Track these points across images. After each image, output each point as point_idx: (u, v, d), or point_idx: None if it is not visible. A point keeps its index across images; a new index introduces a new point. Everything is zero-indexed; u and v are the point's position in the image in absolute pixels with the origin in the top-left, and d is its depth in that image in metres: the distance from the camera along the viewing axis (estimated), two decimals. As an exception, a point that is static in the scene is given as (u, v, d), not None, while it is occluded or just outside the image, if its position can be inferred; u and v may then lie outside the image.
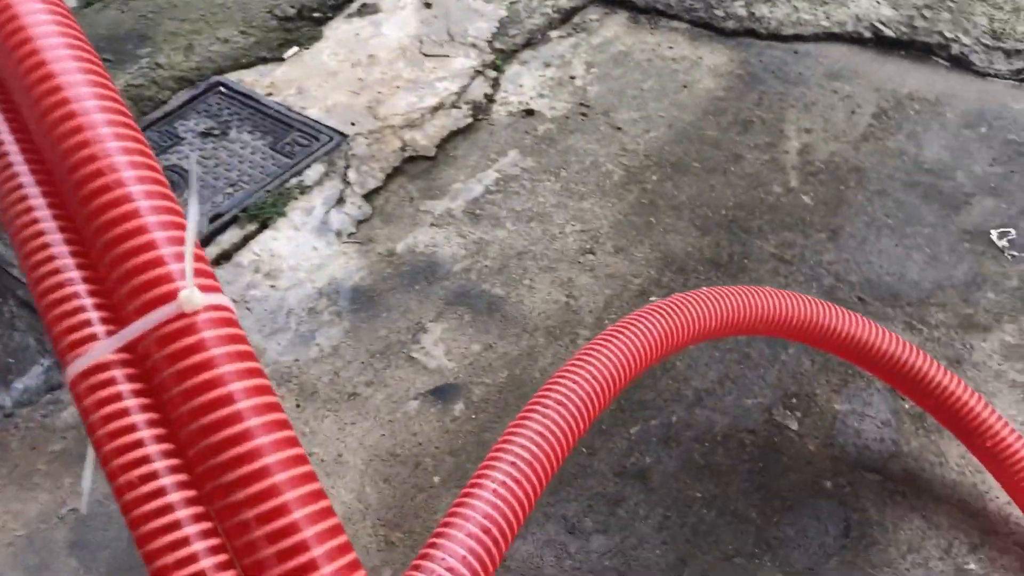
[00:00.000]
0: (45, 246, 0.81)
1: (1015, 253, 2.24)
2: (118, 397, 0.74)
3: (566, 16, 2.98)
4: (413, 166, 2.48)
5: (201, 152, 2.45)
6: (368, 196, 2.37)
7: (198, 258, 0.77)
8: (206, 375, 0.72)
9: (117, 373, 0.74)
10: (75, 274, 0.78)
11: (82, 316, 0.77)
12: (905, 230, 2.30)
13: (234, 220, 2.26)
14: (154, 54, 2.80)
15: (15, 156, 0.88)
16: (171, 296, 0.74)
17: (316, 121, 2.54)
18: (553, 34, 2.91)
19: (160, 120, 2.57)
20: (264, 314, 2.11)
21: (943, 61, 2.81)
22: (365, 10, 2.98)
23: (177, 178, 2.35)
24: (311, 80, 2.71)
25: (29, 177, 0.86)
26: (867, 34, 2.88)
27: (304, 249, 2.23)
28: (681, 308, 1.43)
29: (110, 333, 0.76)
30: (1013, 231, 2.29)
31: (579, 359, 1.30)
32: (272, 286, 2.16)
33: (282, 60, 2.79)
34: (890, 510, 1.76)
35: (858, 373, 1.98)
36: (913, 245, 2.26)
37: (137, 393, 0.74)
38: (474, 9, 2.98)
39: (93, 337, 0.76)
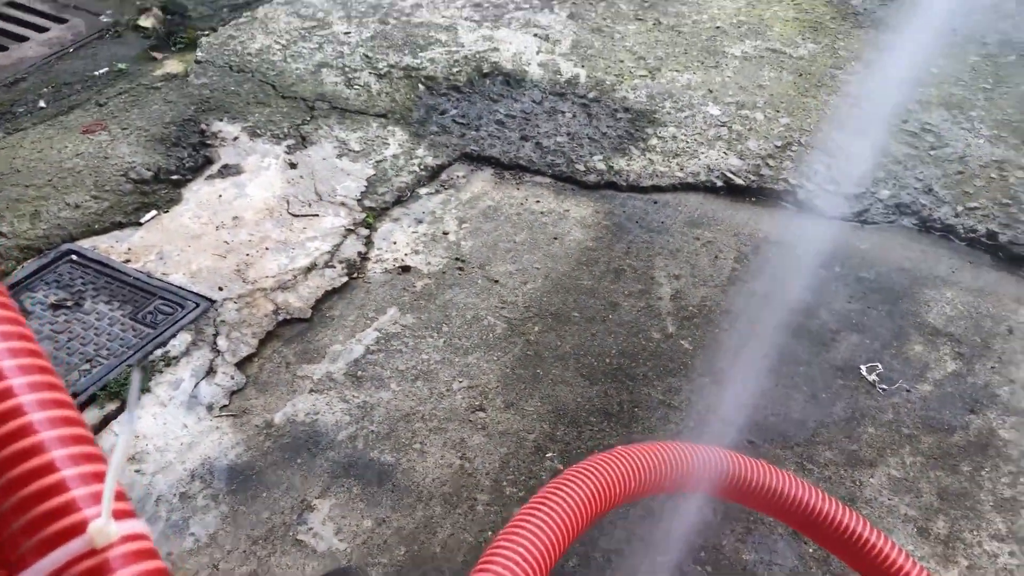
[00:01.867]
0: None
1: (885, 387, 2.33)
2: (10, 663, 0.60)
3: (433, 174, 3.00)
4: (288, 329, 2.37)
5: (52, 326, 2.25)
6: (241, 364, 2.23)
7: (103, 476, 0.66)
8: (125, 625, 0.60)
9: (8, 631, 0.61)
10: (-49, 508, 0.65)
11: (-39, 561, 0.63)
12: (782, 370, 2.36)
13: (92, 400, 2.06)
14: (1, 219, 2.61)
15: None
16: (79, 528, 0.62)
17: (180, 287, 2.41)
18: (422, 191, 2.92)
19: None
20: (128, 503, 1.91)
21: (791, 205, 2.98)
22: (227, 171, 2.91)
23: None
24: (172, 244, 2.58)
25: None
26: (719, 183, 3.04)
27: (172, 427, 2.05)
28: (608, 468, 1.37)
29: (-2, 580, 0.63)
30: (880, 365, 2.40)
31: (521, 521, 1.22)
32: (137, 471, 1.96)
33: (139, 225, 2.66)
34: (812, 662, 1.72)
35: (759, 520, 1.97)
36: (791, 384, 2.32)
37: (34, 654, 0.61)
38: (341, 168, 2.96)
39: (-25, 587, 0.63)
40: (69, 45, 3.84)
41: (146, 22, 4.04)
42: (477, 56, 3.56)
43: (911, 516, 2.00)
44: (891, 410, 2.26)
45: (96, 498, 0.64)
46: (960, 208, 2.93)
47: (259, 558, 1.82)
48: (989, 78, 3.53)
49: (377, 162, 3.01)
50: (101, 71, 3.59)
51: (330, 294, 2.48)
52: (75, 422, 0.68)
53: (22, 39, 3.85)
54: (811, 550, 1.91)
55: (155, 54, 3.80)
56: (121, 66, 3.64)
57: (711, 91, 3.39)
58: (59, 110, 3.30)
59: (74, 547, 0.62)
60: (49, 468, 0.64)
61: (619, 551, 1.88)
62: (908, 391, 2.32)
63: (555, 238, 2.78)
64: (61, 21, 3.93)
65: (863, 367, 2.39)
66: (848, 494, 2.03)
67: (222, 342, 2.27)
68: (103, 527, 0.62)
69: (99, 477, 0.65)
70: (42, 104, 3.37)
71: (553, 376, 2.30)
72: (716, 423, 2.19)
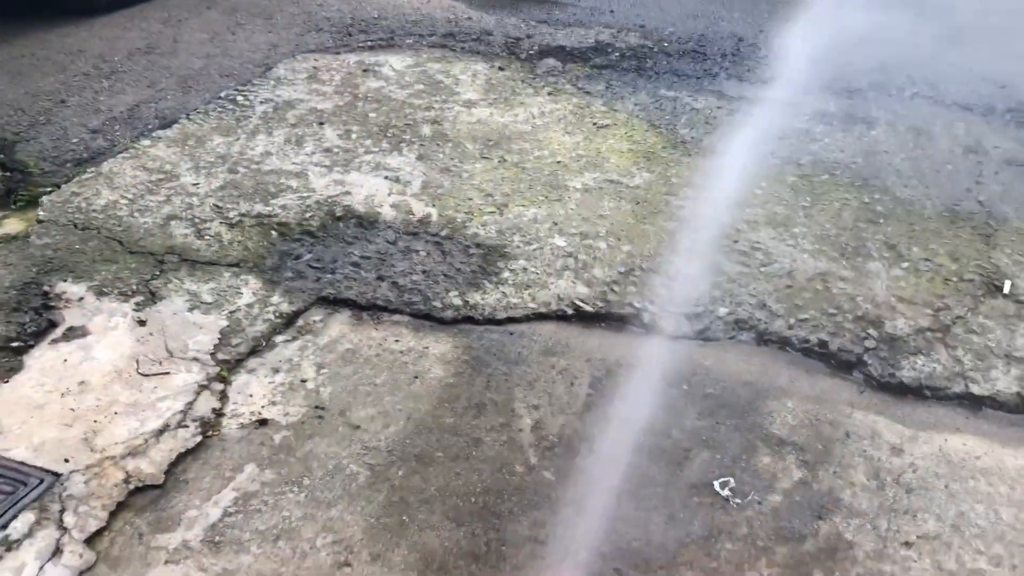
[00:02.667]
0: None
1: (738, 500, 2.43)
2: None
3: (289, 320, 3.00)
4: (141, 497, 2.28)
5: None
6: (90, 540, 2.13)
7: None
8: None
9: None
10: None
11: None
12: (640, 492, 2.43)
13: (-79, 598, 1.92)
14: None
15: None
16: None
17: (21, 463, 2.30)
18: (279, 339, 2.91)
19: None
20: None
21: (638, 328, 3.12)
22: (72, 334, 2.82)
23: None
24: (13, 417, 2.47)
25: None
26: (569, 311, 3.16)
27: (14, 618, 1.93)
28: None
29: None
30: (732, 479, 2.51)
31: None
32: (-26, 672, 1.82)
33: (-24, 397, 2.54)
34: None
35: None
36: (651, 507, 2.39)
37: None
38: (192, 322, 2.93)
39: None
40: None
41: (-17, 180, 3.93)
42: (329, 200, 3.63)
43: (772, 629, 2.07)
44: (745, 524, 2.36)
45: None
46: (792, 320, 3.14)
47: None
48: (807, 196, 3.85)
49: (230, 313, 2.99)
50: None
51: (184, 455, 2.41)
52: None
53: None
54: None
55: (-7, 212, 3.69)
56: (-44, 229, 3.51)
57: (556, 223, 3.56)
58: None
59: None
60: None
61: None
62: (760, 503, 2.43)
63: (416, 377, 2.81)
64: None
65: (716, 483, 2.49)
66: (712, 613, 2.09)
67: (69, 518, 2.16)
68: None
69: None
70: None
71: (419, 521, 2.29)
72: (581, 552, 2.23)
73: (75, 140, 4.13)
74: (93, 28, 5.32)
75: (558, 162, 3.99)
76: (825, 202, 3.82)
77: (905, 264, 3.44)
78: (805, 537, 2.34)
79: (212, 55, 4.95)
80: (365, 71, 4.72)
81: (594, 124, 4.34)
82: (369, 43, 5.10)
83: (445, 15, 5.53)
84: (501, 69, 4.82)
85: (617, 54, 5.08)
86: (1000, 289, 3.35)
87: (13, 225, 3.51)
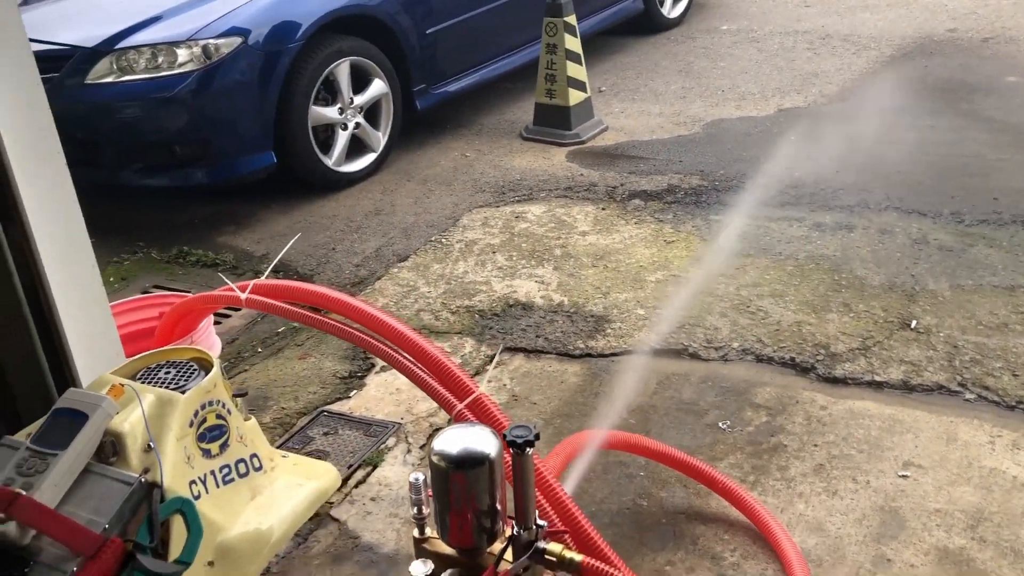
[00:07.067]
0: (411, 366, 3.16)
1: (731, 429, 4.77)
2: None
3: (491, 358, 5.55)
4: (436, 433, 4.81)
5: (326, 438, 4.72)
6: (421, 447, 4.67)
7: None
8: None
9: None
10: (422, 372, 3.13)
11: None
12: (680, 428, 4.81)
13: (358, 467, 4.50)
14: (278, 403, 5.13)
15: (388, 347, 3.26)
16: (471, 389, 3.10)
17: (382, 420, 4.89)
18: (488, 368, 5.46)
19: (296, 433, 4.85)
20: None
21: (686, 356, 5.51)
22: (384, 369, 5.45)
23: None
24: (369, 404, 5.09)
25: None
26: (646, 349, 5.59)
27: (399, 476, 4.46)
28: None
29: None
30: (729, 421, 4.85)
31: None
32: (372, 499, 4.35)
33: (349, 397, 5.18)
34: None
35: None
36: (684, 433, 4.76)
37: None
38: (443, 361, 5.52)
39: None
40: (257, 316, 6.49)
41: (298, 298, 6.69)
42: (504, 296, 6.23)
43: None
44: (733, 439, 4.69)
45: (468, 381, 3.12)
46: (776, 348, 5.48)
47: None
48: (797, 278, 6.20)
49: (462, 356, 5.57)
50: (280, 329, 6.22)
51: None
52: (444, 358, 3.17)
53: (227, 316, 6.49)
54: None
55: (310, 315, 6.42)
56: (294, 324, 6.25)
57: (639, 302, 6.04)
58: (272, 352, 5.89)
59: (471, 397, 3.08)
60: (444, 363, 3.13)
61: (606, 495, 4.25)
62: (742, 431, 4.76)
63: (562, 381, 5.30)
64: (257, 302, 6.57)
65: (720, 423, 4.84)
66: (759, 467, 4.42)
67: (410, 439, 4.72)
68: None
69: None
70: (259, 349, 5.96)
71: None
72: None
73: (348, 272, 6.90)
74: (338, 200, 8.18)
75: (640, 266, 6.50)
76: (809, 281, 6.16)
77: (852, 314, 5.74)
78: (762, 443, 4.65)
79: (419, 213, 7.72)
80: (516, 217, 7.40)
81: (664, 241, 6.84)
82: (516, 198, 7.79)
83: (565, 174, 8.20)
84: (603, 209, 7.41)
85: (682, 192, 7.61)
86: (909, 325, 5.61)
87: (327, 321, 6.21)
